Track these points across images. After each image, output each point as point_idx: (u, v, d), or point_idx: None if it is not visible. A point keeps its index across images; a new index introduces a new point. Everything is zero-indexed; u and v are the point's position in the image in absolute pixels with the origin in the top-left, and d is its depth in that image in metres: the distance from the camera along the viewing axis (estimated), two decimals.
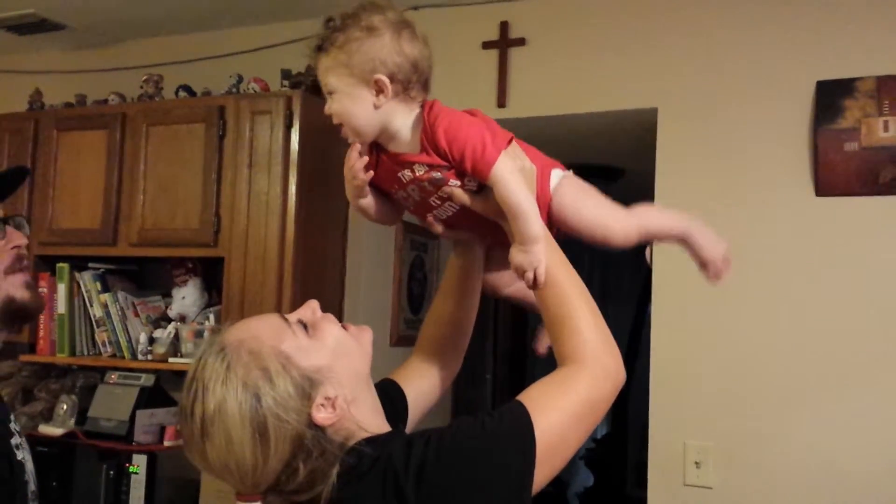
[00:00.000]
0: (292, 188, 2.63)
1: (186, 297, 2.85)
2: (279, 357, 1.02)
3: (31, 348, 2.99)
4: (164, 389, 2.87)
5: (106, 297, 2.91)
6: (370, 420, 1.07)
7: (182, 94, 2.91)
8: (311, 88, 2.70)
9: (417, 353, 1.38)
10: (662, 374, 2.51)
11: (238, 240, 2.67)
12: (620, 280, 5.61)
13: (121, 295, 2.91)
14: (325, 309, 1.13)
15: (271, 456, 0.98)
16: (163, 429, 2.76)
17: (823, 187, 2.35)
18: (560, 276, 1.13)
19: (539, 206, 1.15)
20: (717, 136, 2.49)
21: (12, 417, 1.40)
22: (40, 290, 2.85)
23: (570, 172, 1.25)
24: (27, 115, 3.09)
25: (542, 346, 1.29)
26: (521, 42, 2.74)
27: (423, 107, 1.16)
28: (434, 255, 3.50)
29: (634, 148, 2.95)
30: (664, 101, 2.56)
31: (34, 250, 2.89)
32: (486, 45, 2.78)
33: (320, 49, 1.15)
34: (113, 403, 2.81)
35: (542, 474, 0.99)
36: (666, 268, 2.48)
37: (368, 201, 1.23)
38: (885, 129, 2.29)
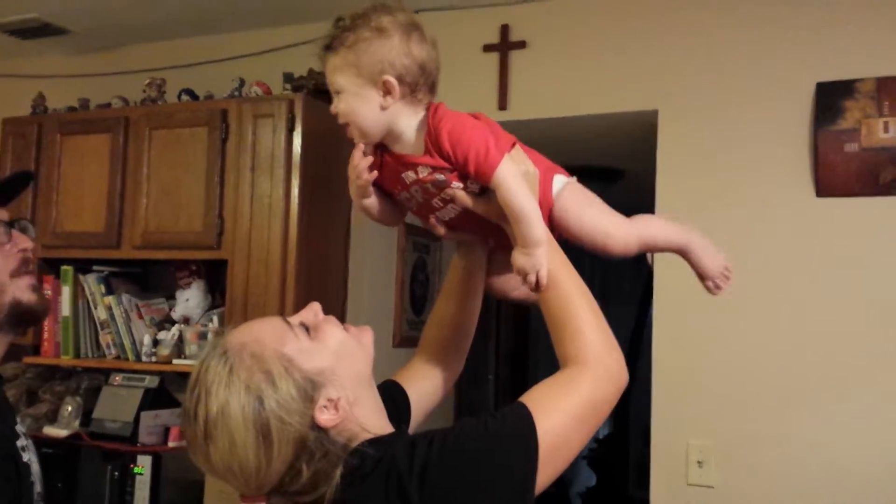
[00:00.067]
0: (295, 191, 2.64)
1: (190, 299, 2.86)
2: (281, 360, 1.02)
3: (36, 350, 3.01)
4: (168, 391, 2.88)
5: (110, 299, 2.92)
6: (373, 421, 1.07)
7: (185, 97, 2.92)
8: (313, 92, 2.71)
9: (420, 355, 1.38)
10: (664, 374, 2.51)
11: (241, 242, 2.68)
12: (622, 281, 5.61)
13: (125, 297, 2.92)
14: (327, 311, 1.14)
15: (274, 458, 0.99)
16: (167, 430, 2.77)
17: (824, 188, 2.36)
18: (562, 278, 1.13)
19: (541, 211, 1.15)
20: (718, 138, 2.50)
21: (18, 419, 1.40)
22: (45, 292, 2.85)
23: (574, 179, 1.26)
24: (30, 119, 3.10)
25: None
26: (521, 45, 2.75)
27: (428, 109, 1.16)
28: (436, 256, 3.50)
29: (635, 149, 2.95)
30: (664, 102, 2.57)
31: (38, 253, 2.90)
32: (487, 48, 2.79)
33: (329, 48, 1.15)
34: (117, 405, 2.81)
35: (545, 475, 0.99)
36: (667, 269, 2.48)
37: (372, 201, 1.24)
38: (886, 129, 2.30)
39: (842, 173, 2.33)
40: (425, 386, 1.34)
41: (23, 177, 1.50)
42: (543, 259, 1.12)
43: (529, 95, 2.74)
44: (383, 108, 1.14)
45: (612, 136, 3.02)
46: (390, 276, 3.19)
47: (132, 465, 2.69)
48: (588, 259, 1.37)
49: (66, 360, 2.96)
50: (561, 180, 1.24)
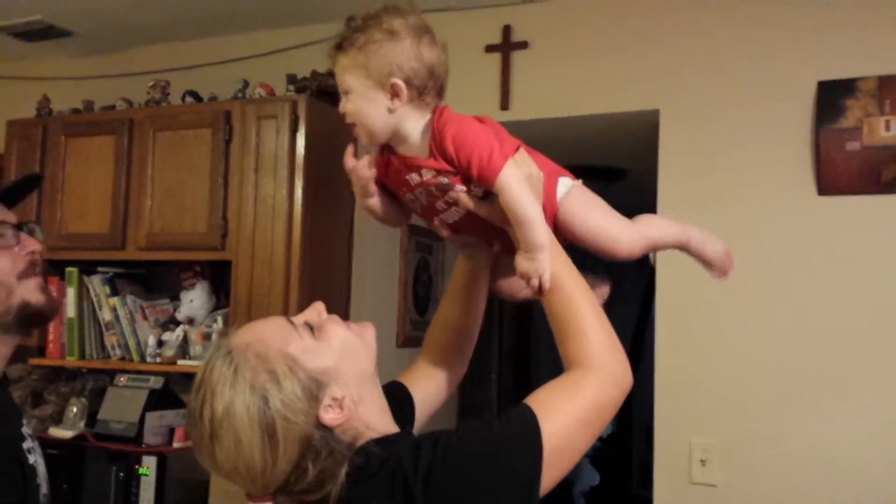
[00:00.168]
0: (298, 192, 2.64)
1: (194, 300, 2.87)
2: (286, 359, 1.03)
3: (41, 352, 3.01)
4: (173, 391, 2.89)
5: (115, 300, 2.93)
6: (378, 420, 1.08)
7: (189, 99, 2.92)
8: (316, 93, 2.72)
9: (424, 357, 1.39)
10: (667, 372, 2.52)
11: (245, 243, 2.69)
12: (624, 280, 5.60)
13: (129, 298, 2.93)
14: (331, 311, 1.14)
15: (280, 457, 1.00)
16: (172, 430, 2.77)
17: (825, 187, 2.36)
18: (566, 281, 1.14)
19: (545, 214, 1.16)
20: (719, 137, 2.50)
21: (25, 421, 1.41)
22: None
23: (579, 182, 1.26)
24: (35, 121, 3.11)
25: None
26: (523, 45, 2.76)
27: (434, 112, 1.17)
28: (439, 256, 3.51)
29: (637, 149, 2.96)
30: (666, 102, 2.57)
31: (45, 255, 2.91)
32: (489, 49, 2.80)
33: (340, 48, 1.16)
34: (122, 406, 2.82)
35: (550, 478, 1.00)
36: (669, 267, 2.49)
37: (375, 201, 1.25)
38: (887, 128, 2.30)
39: (843, 172, 2.33)
40: (429, 387, 1.34)
41: (31, 179, 1.51)
42: (546, 263, 1.13)
43: (531, 96, 2.75)
44: (390, 111, 1.14)
45: (613, 135, 3.03)
46: (393, 276, 3.19)
47: (137, 466, 2.70)
48: (590, 261, 1.37)
49: (71, 361, 2.97)
50: (566, 183, 1.24)
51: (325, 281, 2.77)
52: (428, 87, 1.15)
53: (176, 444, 2.73)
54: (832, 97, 2.36)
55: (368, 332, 1.14)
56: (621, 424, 5.38)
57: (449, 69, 1.18)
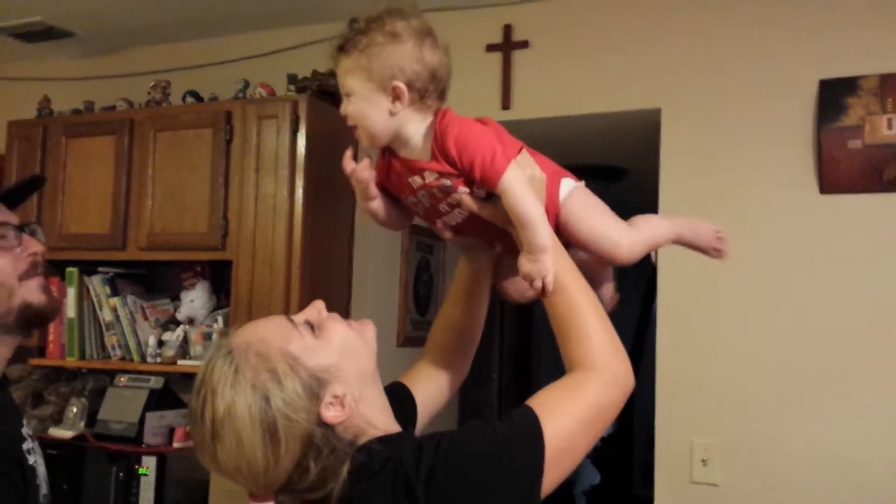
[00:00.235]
0: (299, 191, 2.64)
1: (195, 300, 2.87)
2: (286, 358, 1.03)
3: (41, 352, 3.01)
4: (173, 391, 2.89)
5: (115, 300, 2.93)
6: (379, 417, 1.08)
7: (189, 99, 2.92)
8: (316, 93, 2.72)
9: (426, 358, 1.39)
10: (668, 372, 2.51)
11: (246, 243, 2.69)
12: (625, 279, 5.60)
13: (130, 298, 2.93)
14: (332, 310, 1.14)
15: (282, 456, 0.99)
16: (172, 430, 2.77)
17: (827, 185, 2.36)
18: (569, 282, 1.14)
19: (548, 215, 1.16)
20: (721, 136, 2.50)
21: (25, 422, 1.40)
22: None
23: (582, 184, 1.26)
24: (36, 121, 3.11)
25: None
26: (524, 45, 2.76)
27: (435, 115, 1.16)
28: (440, 256, 3.51)
29: (638, 148, 2.95)
30: (667, 101, 2.57)
31: (46, 256, 2.91)
32: (490, 48, 2.80)
33: (342, 49, 1.15)
34: (122, 406, 2.82)
35: (551, 479, 0.99)
36: (671, 266, 2.49)
37: (378, 204, 1.24)
38: (889, 126, 2.30)
39: (845, 170, 2.33)
40: (431, 388, 1.34)
41: (34, 181, 1.51)
42: (550, 264, 1.12)
43: (532, 95, 2.74)
44: (392, 114, 1.14)
45: (615, 134, 3.03)
46: (394, 276, 3.19)
47: (137, 466, 2.70)
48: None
49: (72, 361, 2.97)
50: (569, 184, 1.24)
51: (325, 281, 2.76)
52: (430, 90, 1.14)
53: (176, 445, 2.73)
54: (834, 96, 2.35)
55: (369, 331, 1.14)
56: (622, 424, 5.39)
57: (451, 71, 1.18)
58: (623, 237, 1.25)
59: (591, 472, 5.35)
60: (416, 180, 1.17)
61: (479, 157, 1.11)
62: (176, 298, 2.98)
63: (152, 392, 2.81)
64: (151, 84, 2.97)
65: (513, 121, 2.71)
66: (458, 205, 1.18)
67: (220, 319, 2.81)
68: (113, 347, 2.93)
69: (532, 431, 0.99)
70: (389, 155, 1.20)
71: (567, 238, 1.23)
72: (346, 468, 1.00)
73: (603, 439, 5.37)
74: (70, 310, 2.96)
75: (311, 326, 1.08)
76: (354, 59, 1.14)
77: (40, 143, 3.05)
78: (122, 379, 2.89)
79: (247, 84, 2.83)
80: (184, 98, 2.94)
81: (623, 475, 5.42)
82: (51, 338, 2.99)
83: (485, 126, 1.16)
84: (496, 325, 4.88)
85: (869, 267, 2.32)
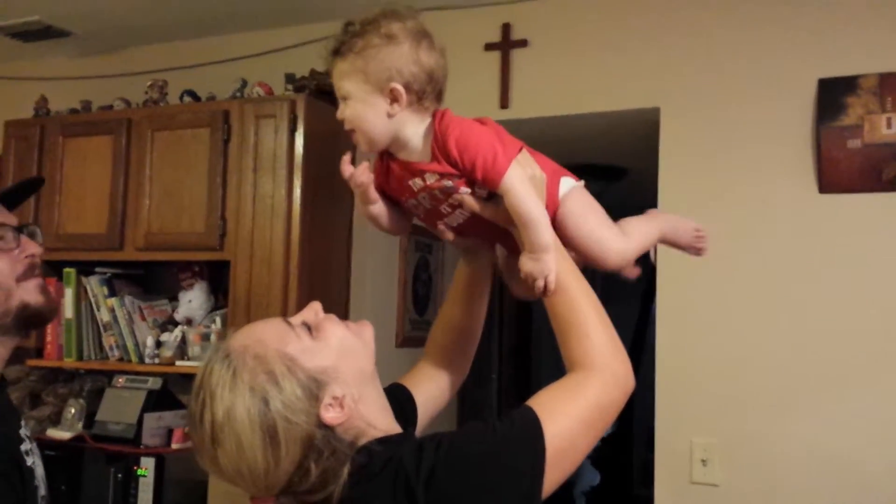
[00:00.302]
0: (297, 191, 2.63)
1: (193, 300, 2.86)
2: (284, 360, 1.02)
3: (39, 353, 3.00)
4: (171, 392, 2.88)
5: (113, 301, 2.92)
6: (379, 418, 1.08)
7: (187, 99, 2.92)
8: (314, 92, 2.71)
9: (426, 359, 1.39)
10: (668, 372, 2.51)
11: (244, 243, 2.68)
12: (624, 279, 5.59)
13: (127, 299, 2.92)
14: (330, 311, 1.14)
15: (282, 458, 0.99)
16: (170, 431, 2.76)
17: (826, 185, 2.35)
18: (570, 283, 1.14)
19: (547, 213, 1.15)
20: (720, 135, 2.50)
21: (23, 423, 1.40)
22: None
23: (582, 183, 1.26)
24: (33, 121, 3.10)
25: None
26: (523, 43, 2.75)
27: (434, 116, 1.16)
28: (439, 256, 3.50)
29: (637, 147, 2.95)
30: (666, 100, 2.57)
31: (44, 257, 2.90)
32: (489, 47, 2.79)
33: (337, 53, 1.15)
34: (120, 407, 2.81)
35: (552, 479, 0.99)
36: (670, 266, 2.48)
37: (378, 208, 1.24)
38: (888, 125, 2.29)
39: (844, 170, 2.33)
40: (431, 389, 1.34)
41: (33, 182, 1.52)
42: (552, 264, 1.12)
43: (531, 94, 2.74)
44: (390, 116, 1.14)
45: (614, 134, 3.02)
46: (393, 275, 3.19)
47: (135, 467, 2.69)
48: None
49: (70, 362, 2.96)
50: (568, 183, 1.24)
51: (324, 281, 2.76)
52: (427, 92, 1.14)
53: (174, 446, 2.73)
54: (833, 95, 2.35)
55: (367, 331, 1.14)
56: (622, 424, 5.38)
57: (448, 72, 1.17)
58: (615, 243, 1.25)
59: (590, 473, 5.35)
60: (417, 182, 1.17)
61: (480, 158, 1.10)
62: (174, 299, 2.97)
63: (150, 393, 2.81)
64: (149, 83, 2.97)
65: (511, 120, 2.70)
66: (460, 206, 1.17)
67: (217, 320, 2.80)
68: (111, 348, 2.92)
69: (533, 432, 0.99)
70: (388, 158, 1.20)
71: (560, 236, 1.23)
72: (346, 469, 1.00)
73: (603, 439, 5.36)
74: (68, 310, 2.95)
75: (308, 328, 1.08)
76: (350, 62, 1.13)
77: (37, 142, 3.04)
78: (121, 380, 2.89)
79: (244, 83, 2.83)
80: (181, 97, 2.93)
81: (623, 475, 5.42)
82: (48, 339, 2.99)
83: (485, 126, 1.16)
84: (495, 324, 4.87)
85: (868, 266, 2.31)
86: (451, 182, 1.14)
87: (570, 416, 1.02)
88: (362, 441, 1.03)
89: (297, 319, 1.10)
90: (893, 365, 2.27)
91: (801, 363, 2.36)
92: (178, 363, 2.78)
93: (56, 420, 2.93)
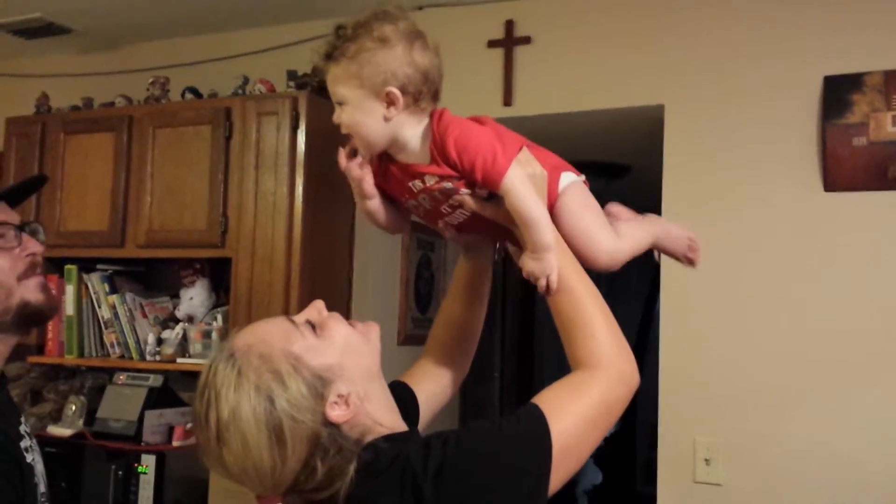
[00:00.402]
0: (299, 189, 2.63)
1: (194, 297, 2.86)
2: (289, 358, 1.02)
3: (40, 350, 3.00)
4: (172, 390, 2.88)
5: (114, 298, 2.92)
6: (385, 415, 1.08)
7: (188, 96, 2.91)
8: (317, 89, 2.70)
9: (427, 356, 1.38)
10: (671, 371, 2.50)
11: (245, 240, 2.67)
12: (628, 278, 5.59)
13: (129, 296, 2.92)
14: (332, 309, 1.14)
15: (289, 457, 0.99)
16: (171, 429, 2.76)
17: (832, 182, 2.34)
18: (573, 281, 1.13)
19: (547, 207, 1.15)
20: (724, 133, 2.49)
21: (23, 420, 1.40)
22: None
23: (582, 179, 1.25)
24: (34, 118, 3.10)
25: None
26: (526, 40, 2.74)
27: (431, 116, 1.15)
28: (441, 253, 3.50)
29: (641, 145, 2.94)
30: (671, 97, 2.56)
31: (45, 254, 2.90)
32: (492, 44, 2.78)
33: (330, 58, 1.13)
34: (121, 404, 2.81)
35: (558, 477, 0.99)
36: (673, 265, 2.46)
37: (375, 204, 1.23)
38: (894, 123, 2.28)
39: (850, 167, 2.32)
40: (433, 387, 1.34)
41: (36, 180, 1.52)
42: (554, 263, 1.12)
43: (534, 91, 2.73)
44: (387, 120, 1.13)
45: (618, 131, 3.01)
46: (395, 273, 3.18)
47: (136, 465, 2.69)
48: None
49: (70, 359, 2.96)
50: (569, 177, 1.23)
51: (325, 278, 2.75)
52: (423, 93, 1.13)
53: (175, 443, 2.72)
54: (838, 92, 2.34)
55: (373, 332, 1.14)
56: (625, 423, 5.38)
57: (443, 71, 1.16)
58: (607, 243, 1.23)
59: (593, 472, 5.34)
60: (417, 184, 1.16)
61: (480, 159, 1.10)
62: (175, 296, 2.97)
63: (151, 390, 2.81)
64: (150, 80, 2.96)
65: (514, 117, 2.70)
66: (460, 205, 1.17)
67: (219, 317, 2.80)
68: (112, 345, 2.92)
69: (539, 430, 0.99)
70: (386, 160, 1.19)
71: (556, 227, 1.22)
72: (352, 467, 0.99)
73: (606, 438, 5.34)
74: (69, 307, 2.95)
75: (312, 326, 1.08)
76: (344, 66, 1.12)
77: (39, 139, 3.03)
78: (121, 377, 2.88)
79: (246, 80, 2.82)
80: (183, 94, 2.92)
81: (626, 474, 5.41)
82: (50, 335, 2.99)
83: (484, 126, 1.15)
84: (498, 322, 4.86)
85: (873, 265, 2.30)
86: (451, 184, 1.14)
87: (575, 414, 1.02)
88: (368, 438, 1.03)
89: (300, 318, 1.09)
90: None
91: (805, 362, 2.35)
92: (179, 360, 2.77)
93: (57, 417, 2.94)
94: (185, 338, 2.80)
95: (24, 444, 1.34)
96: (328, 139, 2.66)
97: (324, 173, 2.70)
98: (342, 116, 1.15)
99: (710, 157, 2.50)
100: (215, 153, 2.73)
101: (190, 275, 2.92)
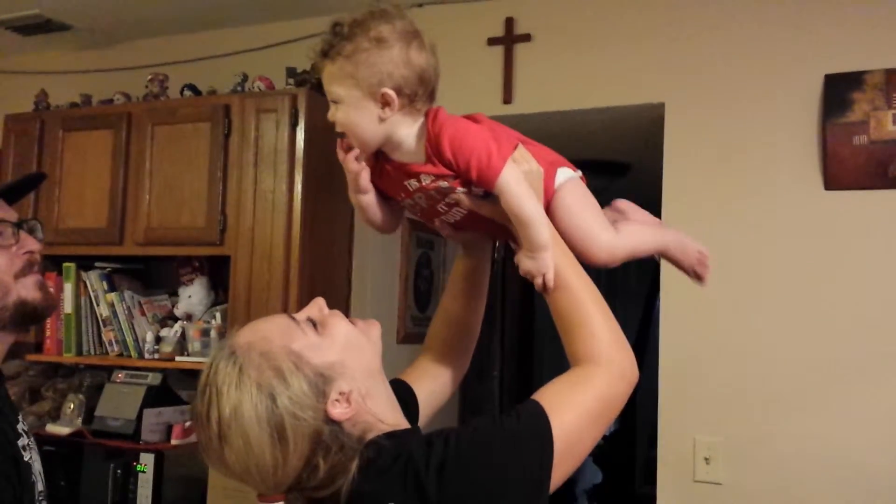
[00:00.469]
0: (298, 186, 2.62)
1: (193, 295, 2.85)
2: (291, 356, 1.02)
3: (38, 348, 3.00)
4: (171, 388, 2.87)
5: (112, 296, 2.91)
6: (387, 413, 1.08)
7: (187, 93, 2.90)
8: (316, 87, 2.69)
9: (426, 354, 1.38)
10: (671, 370, 2.50)
11: (244, 238, 2.67)
12: (628, 276, 5.59)
13: (127, 294, 2.91)
14: (331, 306, 1.14)
15: (291, 454, 0.99)
16: (170, 427, 2.75)
17: (832, 181, 2.34)
18: (571, 278, 1.13)
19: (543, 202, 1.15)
20: (725, 131, 2.48)
21: (20, 418, 1.40)
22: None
23: (579, 175, 1.25)
24: (33, 115, 3.09)
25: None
26: (526, 38, 2.74)
27: (427, 115, 1.15)
28: (440, 252, 3.49)
29: (642, 143, 2.93)
30: (671, 95, 2.55)
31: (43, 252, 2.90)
32: (492, 42, 2.78)
33: (326, 56, 1.13)
34: (120, 402, 2.80)
35: (559, 473, 1.00)
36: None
37: (369, 199, 1.23)
38: (895, 122, 2.28)
39: (850, 166, 2.31)
40: (432, 385, 1.34)
41: (34, 178, 1.51)
42: (550, 261, 1.12)
43: (535, 89, 2.72)
44: (382, 120, 1.12)
45: (618, 129, 3.00)
46: (394, 272, 3.17)
47: (135, 463, 2.68)
48: None
49: (69, 357, 2.96)
50: (565, 173, 1.23)
51: (325, 276, 2.75)
52: (419, 94, 1.13)
53: (174, 441, 2.72)
54: (839, 91, 2.33)
55: (374, 330, 1.14)
56: (625, 422, 5.37)
57: (440, 71, 1.15)
58: (604, 240, 1.23)
59: (593, 471, 5.34)
60: (413, 183, 1.16)
61: (475, 158, 1.10)
62: (174, 294, 2.96)
63: (150, 388, 2.80)
64: (149, 77, 2.96)
65: (514, 115, 2.69)
66: (457, 204, 1.17)
67: (218, 315, 2.79)
68: (110, 343, 2.91)
69: (540, 426, 1.00)
70: (382, 159, 1.19)
71: (553, 223, 1.21)
72: (355, 464, 0.99)
73: (605, 437, 5.36)
74: (67, 305, 2.94)
75: (313, 324, 1.08)
76: (340, 66, 1.11)
77: (37, 136, 3.03)
78: (120, 375, 2.88)
79: (245, 77, 2.81)
80: (182, 91, 2.91)
81: (625, 474, 5.41)
82: (48, 334, 2.98)
83: (478, 124, 1.15)
84: (497, 320, 4.86)
85: (874, 264, 2.30)
86: (447, 183, 1.14)
87: (576, 410, 1.03)
88: (370, 436, 1.03)
89: (302, 315, 1.09)
90: None
91: (806, 361, 2.34)
92: (177, 359, 2.77)
93: (55, 415, 2.93)
94: (183, 336, 2.80)
95: (21, 442, 1.34)
96: (327, 136, 2.65)
97: (323, 171, 2.69)
98: (337, 115, 1.15)
99: (710, 156, 2.50)
100: (214, 150, 2.73)
101: (188, 273, 2.91)
